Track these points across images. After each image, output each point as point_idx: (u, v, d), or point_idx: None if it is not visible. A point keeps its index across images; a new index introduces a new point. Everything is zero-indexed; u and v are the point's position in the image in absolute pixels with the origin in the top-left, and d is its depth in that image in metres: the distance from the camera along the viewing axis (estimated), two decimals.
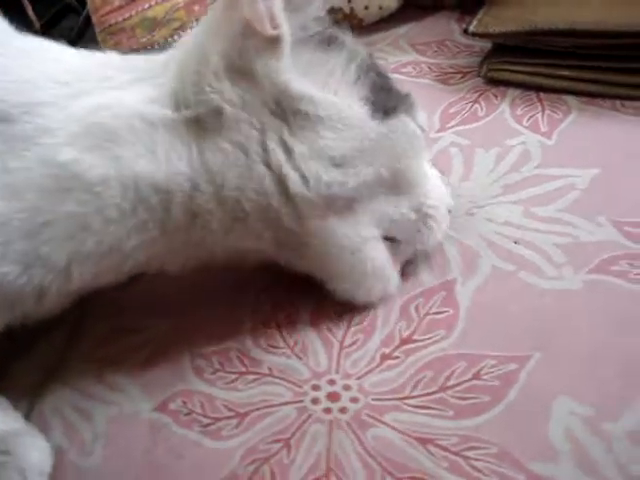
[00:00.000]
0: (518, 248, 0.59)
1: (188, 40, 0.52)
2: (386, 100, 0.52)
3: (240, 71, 0.48)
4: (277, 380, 0.53)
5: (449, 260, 0.59)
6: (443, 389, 0.49)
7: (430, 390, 0.49)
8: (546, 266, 0.57)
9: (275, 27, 0.47)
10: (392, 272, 0.55)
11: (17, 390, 0.56)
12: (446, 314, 0.55)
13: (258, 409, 0.51)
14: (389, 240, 0.54)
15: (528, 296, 0.55)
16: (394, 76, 0.84)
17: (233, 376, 0.54)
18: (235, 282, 0.56)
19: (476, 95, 0.81)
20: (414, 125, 0.53)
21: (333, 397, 0.51)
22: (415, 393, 0.50)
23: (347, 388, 0.51)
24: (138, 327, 0.59)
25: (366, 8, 0.99)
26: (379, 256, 0.53)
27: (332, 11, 0.98)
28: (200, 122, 0.48)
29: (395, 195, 0.52)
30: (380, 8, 0.99)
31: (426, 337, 0.53)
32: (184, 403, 0.53)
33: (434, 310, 0.55)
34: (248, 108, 0.48)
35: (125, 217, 0.48)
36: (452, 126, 0.76)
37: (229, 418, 0.51)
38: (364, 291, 0.54)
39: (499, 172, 0.68)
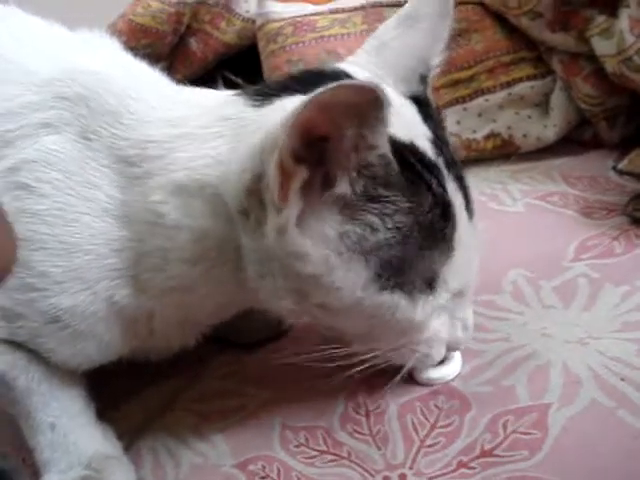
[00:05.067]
0: (624, 385, 0.57)
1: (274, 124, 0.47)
2: (395, 276, 0.50)
3: (257, 198, 0.48)
4: (352, 465, 0.54)
5: (550, 383, 0.58)
6: None
7: None
8: None
9: (283, 201, 0.46)
10: None
11: (125, 423, 0.62)
12: (533, 436, 0.54)
13: None
14: None
15: (622, 436, 0.52)
16: (538, 203, 0.89)
17: (314, 453, 0.56)
18: (338, 369, 0.58)
19: (617, 232, 0.80)
20: (407, 309, 0.52)
21: None
22: None
23: None
24: (241, 392, 0.64)
25: (524, 136, 1.01)
26: None
27: (491, 135, 1.03)
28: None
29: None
30: (538, 139, 1.01)
31: (507, 454, 0.53)
32: (263, 467, 0.56)
33: (522, 430, 0.54)
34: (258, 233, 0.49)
35: (195, 262, 0.52)
36: (586, 258, 0.76)
37: None
38: None
39: (622, 309, 0.66)
